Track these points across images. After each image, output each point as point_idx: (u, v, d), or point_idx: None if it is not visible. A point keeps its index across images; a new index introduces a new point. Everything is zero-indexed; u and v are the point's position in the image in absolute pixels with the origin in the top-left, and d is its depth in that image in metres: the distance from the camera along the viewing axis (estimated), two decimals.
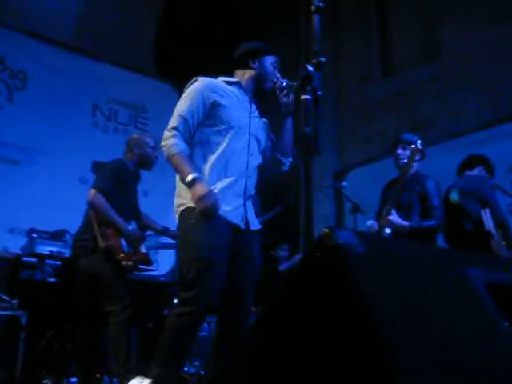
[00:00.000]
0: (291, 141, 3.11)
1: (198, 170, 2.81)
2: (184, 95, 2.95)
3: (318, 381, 0.90)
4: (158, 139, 4.89)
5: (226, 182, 2.84)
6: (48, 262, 5.38)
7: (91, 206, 3.94)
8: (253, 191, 3.02)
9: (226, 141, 2.87)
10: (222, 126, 2.88)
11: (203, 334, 5.23)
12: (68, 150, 7.02)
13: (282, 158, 3.11)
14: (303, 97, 2.12)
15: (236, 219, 2.85)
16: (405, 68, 7.28)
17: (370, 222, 4.19)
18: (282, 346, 0.98)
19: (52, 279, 5.34)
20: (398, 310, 0.86)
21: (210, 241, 2.73)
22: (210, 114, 2.88)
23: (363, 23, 8.04)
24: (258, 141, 3.04)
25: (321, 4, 2.30)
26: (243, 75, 3.10)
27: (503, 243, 4.07)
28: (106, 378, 4.14)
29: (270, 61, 3.09)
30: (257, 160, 3.03)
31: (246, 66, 3.09)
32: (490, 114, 6.06)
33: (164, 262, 6.92)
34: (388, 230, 3.93)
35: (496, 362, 1.01)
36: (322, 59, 2.18)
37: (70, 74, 7.29)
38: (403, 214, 3.96)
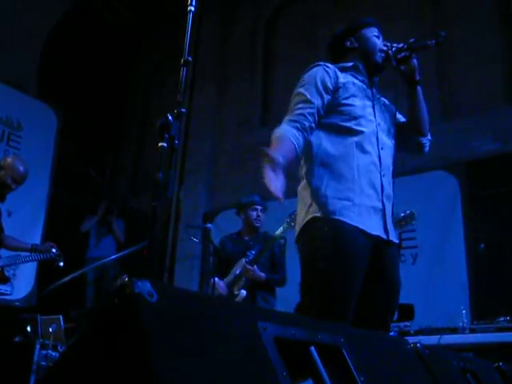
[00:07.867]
0: (426, 115, 2.56)
1: None
2: None
3: None
4: (29, 164, 4.77)
5: None
6: None
7: None
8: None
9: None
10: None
11: None
12: None
13: (420, 139, 2.59)
14: (160, 144, 2.22)
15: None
16: (283, 119, 7.54)
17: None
18: None
19: None
20: (181, 361, 0.96)
21: None
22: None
23: (249, 70, 8.32)
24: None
25: (189, 58, 2.45)
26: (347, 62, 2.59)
27: None
28: None
29: (371, 33, 2.59)
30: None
31: (346, 51, 2.61)
32: None
33: (21, 286, 6.65)
34: (243, 279, 4.50)
35: None
36: (183, 110, 2.31)
37: None
38: (258, 267, 4.52)
